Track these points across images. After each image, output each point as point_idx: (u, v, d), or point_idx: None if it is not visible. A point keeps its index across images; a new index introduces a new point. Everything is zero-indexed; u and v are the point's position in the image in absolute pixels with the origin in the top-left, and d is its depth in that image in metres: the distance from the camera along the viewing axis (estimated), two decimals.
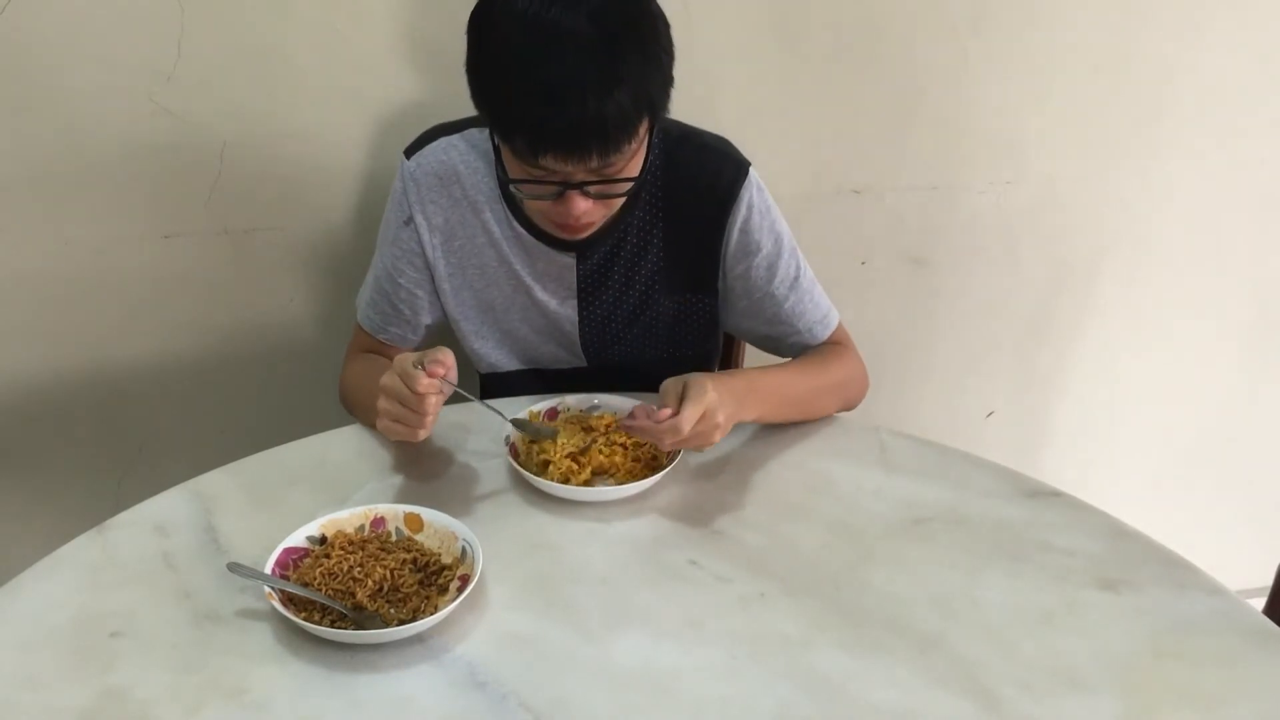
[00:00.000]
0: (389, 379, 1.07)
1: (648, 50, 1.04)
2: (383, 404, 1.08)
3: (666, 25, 1.07)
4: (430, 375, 1.04)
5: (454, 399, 1.13)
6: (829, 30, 1.54)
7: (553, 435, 1.15)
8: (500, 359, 1.34)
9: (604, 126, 1.01)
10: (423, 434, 1.08)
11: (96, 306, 1.47)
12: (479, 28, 1.06)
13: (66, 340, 1.49)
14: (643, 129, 1.06)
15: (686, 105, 1.49)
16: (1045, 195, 1.74)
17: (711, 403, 1.09)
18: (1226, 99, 1.73)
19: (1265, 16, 1.67)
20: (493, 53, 1.04)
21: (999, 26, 1.59)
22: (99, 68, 1.33)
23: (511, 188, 1.13)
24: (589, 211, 1.11)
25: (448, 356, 1.07)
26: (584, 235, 1.18)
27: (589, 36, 0.99)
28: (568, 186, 1.07)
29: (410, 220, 1.24)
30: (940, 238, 1.74)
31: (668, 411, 1.08)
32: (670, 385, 1.11)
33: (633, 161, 1.09)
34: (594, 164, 1.04)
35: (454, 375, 1.08)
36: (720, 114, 1.49)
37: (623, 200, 1.16)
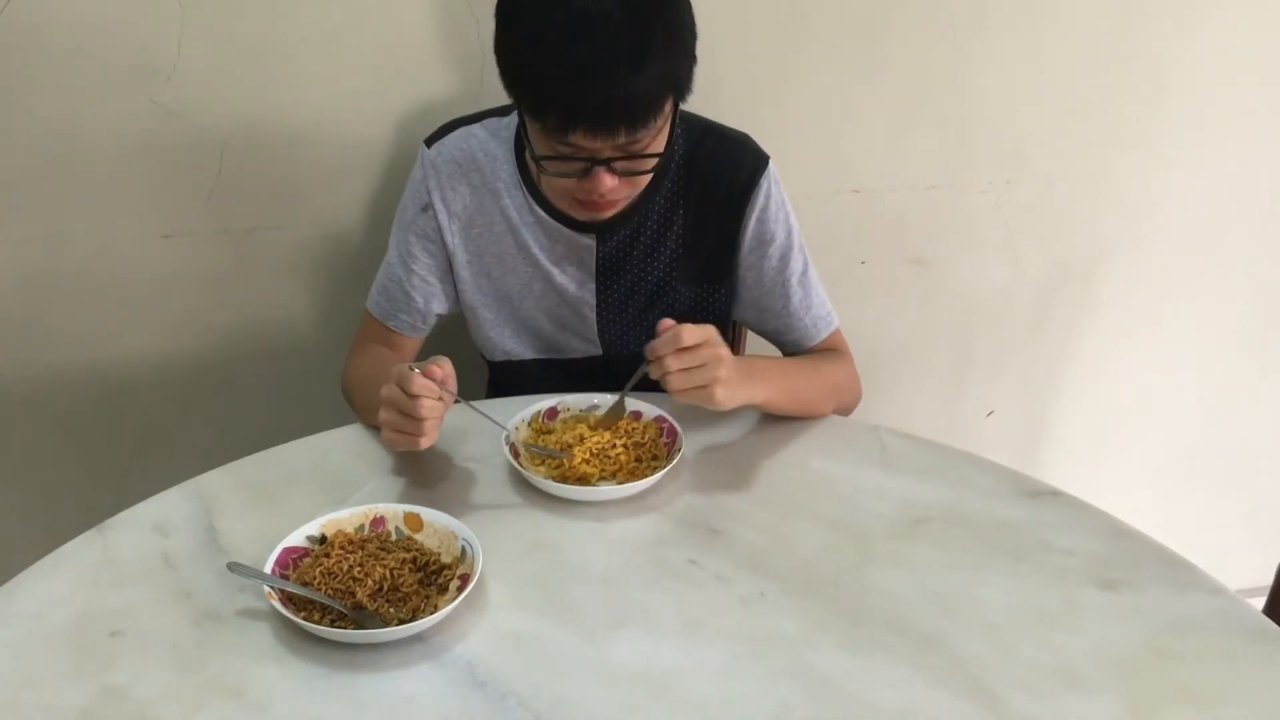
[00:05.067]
0: (387, 389, 1.06)
1: (673, 29, 1.06)
2: (383, 415, 1.07)
3: (689, 5, 1.09)
4: (427, 376, 1.04)
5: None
6: (829, 30, 1.54)
7: (564, 458, 1.15)
8: (515, 348, 1.35)
9: (633, 103, 1.04)
10: (424, 442, 1.06)
11: (96, 306, 1.47)
12: (509, 7, 1.08)
13: (66, 340, 1.49)
14: (668, 106, 1.09)
15: (687, 105, 1.50)
16: (1045, 195, 1.74)
17: (712, 333, 1.09)
18: (1226, 99, 1.73)
19: (1265, 16, 1.67)
20: (523, 32, 1.06)
21: (999, 26, 1.59)
22: (99, 68, 1.33)
23: (539, 164, 1.13)
24: (614, 189, 1.12)
25: (445, 364, 1.07)
26: (607, 215, 1.19)
27: (618, 15, 1.02)
28: (595, 163, 1.09)
29: (429, 206, 1.26)
30: (940, 238, 1.74)
31: (669, 321, 1.08)
32: (664, 321, 1.11)
33: (658, 138, 1.11)
34: (621, 140, 1.07)
35: (453, 385, 1.08)
36: (721, 114, 1.49)
37: (646, 179, 1.17)
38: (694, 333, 1.07)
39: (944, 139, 1.66)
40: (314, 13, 1.37)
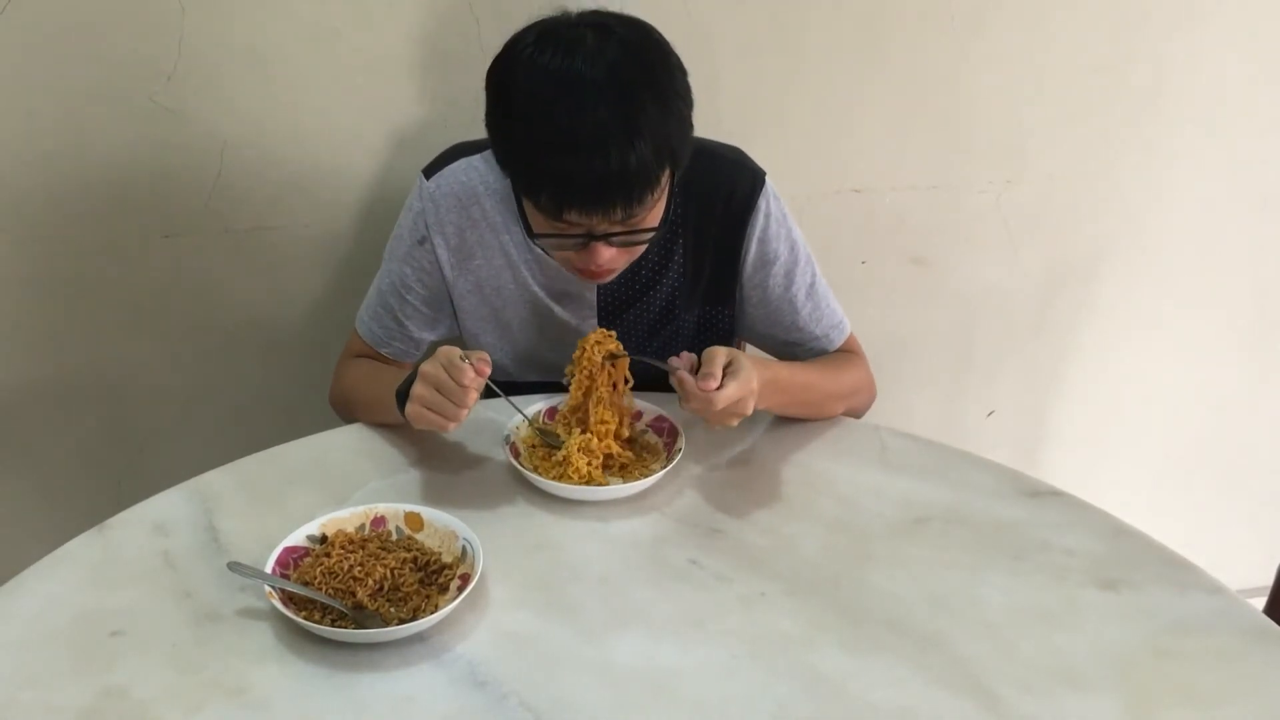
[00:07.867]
0: (431, 367, 1.08)
1: (666, 100, 1.04)
2: (420, 389, 1.08)
3: (684, 73, 1.08)
4: (478, 373, 1.06)
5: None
6: (829, 30, 1.54)
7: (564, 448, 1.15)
8: (517, 371, 1.35)
9: (627, 180, 1.02)
10: (453, 426, 1.08)
11: (96, 306, 1.47)
12: (499, 84, 1.08)
13: (67, 340, 1.49)
14: (664, 179, 1.07)
15: None
16: (1045, 195, 1.74)
17: (751, 391, 1.09)
18: (1226, 98, 1.73)
19: (1264, 16, 1.67)
20: (515, 111, 1.05)
21: (999, 26, 1.59)
22: (99, 68, 1.33)
23: (536, 242, 1.15)
24: (613, 259, 1.12)
25: (489, 363, 1.08)
26: (606, 280, 1.18)
27: (608, 90, 1.01)
28: (592, 238, 1.09)
29: (426, 240, 1.24)
30: (940, 238, 1.74)
31: (713, 384, 1.07)
32: (717, 355, 1.09)
33: (655, 210, 1.10)
34: (618, 216, 1.06)
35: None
36: (721, 115, 1.49)
37: (645, 245, 1.16)
38: (728, 398, 1.07)
39: (944, 139, 1.66)
40: (314, 12, 1.37)
